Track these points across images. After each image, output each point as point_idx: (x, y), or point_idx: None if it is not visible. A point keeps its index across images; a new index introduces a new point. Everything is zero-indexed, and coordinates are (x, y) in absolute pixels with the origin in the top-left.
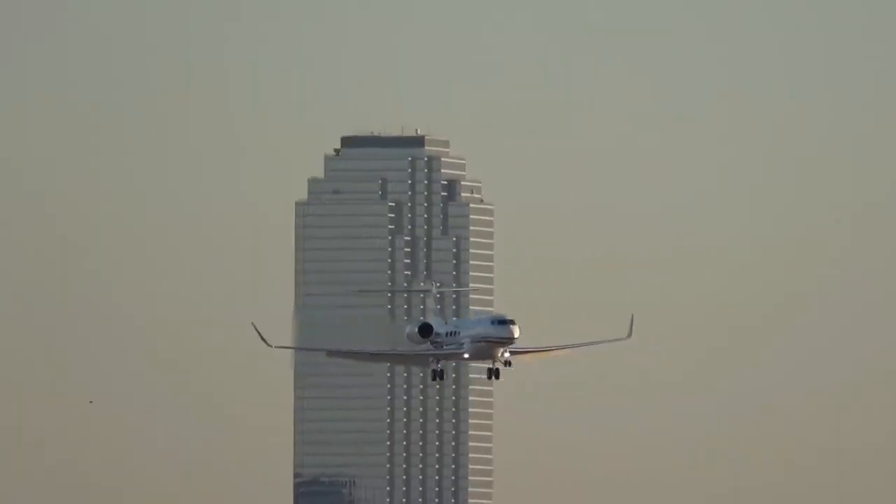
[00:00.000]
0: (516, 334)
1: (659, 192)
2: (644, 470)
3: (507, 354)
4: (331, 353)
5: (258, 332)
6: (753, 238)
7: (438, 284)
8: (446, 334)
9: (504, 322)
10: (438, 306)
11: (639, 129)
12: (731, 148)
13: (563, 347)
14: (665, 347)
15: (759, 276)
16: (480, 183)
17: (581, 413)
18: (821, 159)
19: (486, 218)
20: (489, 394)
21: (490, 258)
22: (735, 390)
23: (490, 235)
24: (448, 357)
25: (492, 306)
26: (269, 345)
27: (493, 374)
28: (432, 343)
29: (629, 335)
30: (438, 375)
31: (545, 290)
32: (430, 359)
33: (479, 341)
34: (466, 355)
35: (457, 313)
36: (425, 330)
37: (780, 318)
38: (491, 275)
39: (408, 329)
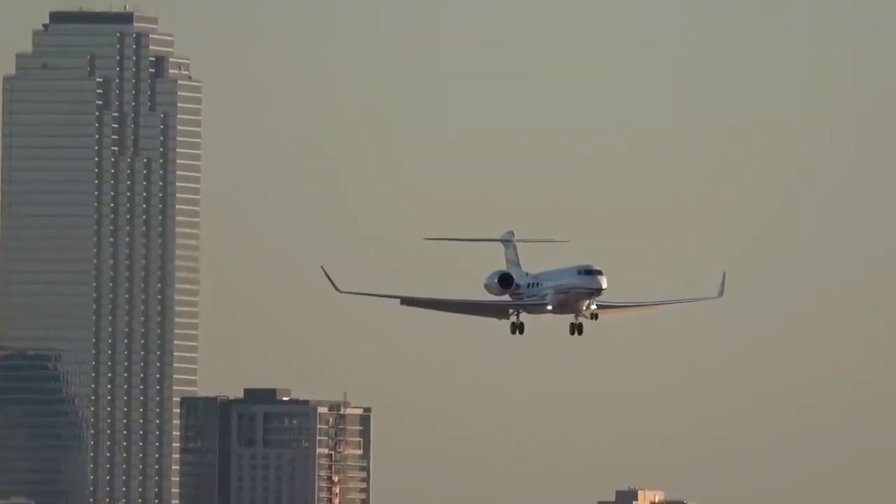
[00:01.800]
0: (604, 285)
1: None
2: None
3: (593, 307)
4: (405, 300)
5: (328, 277)
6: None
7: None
8: (527, 286)
9: (591, 272)
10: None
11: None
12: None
13: (654, 304)
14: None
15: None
16: (189, 60)
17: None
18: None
19: (194, 95)
20: (196, 270)
21: (197, 135)
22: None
23: (198, 112)
24: (529, 309)
25: (199, 183)
26: (338, 290)
27: (577, 329)
28: (512, 295)
29: (721, 293)
30: (518, 329)
31: (252, 169)
32: (510, 310)
33: (564, 292)
34: (549, 307)
35: (163, 189)
36: (505, 281)
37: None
38: (198, 151)
39: (486, 280)
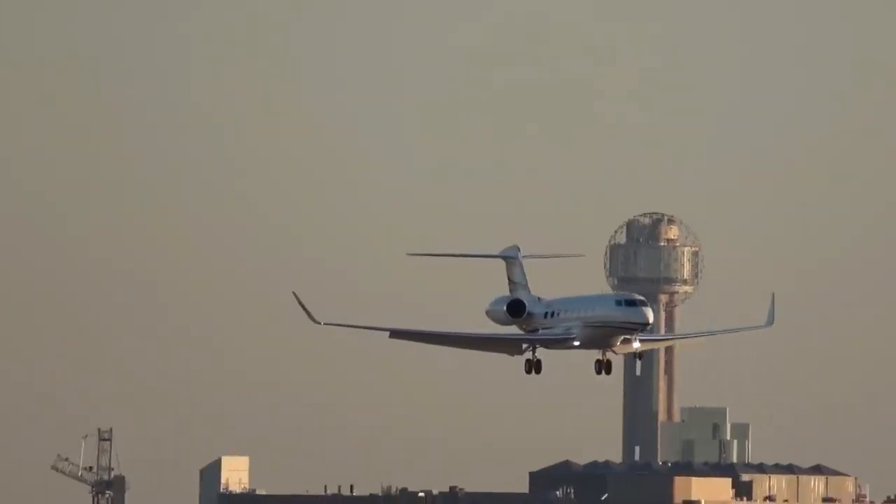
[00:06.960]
0: (651, 318)
1: None
2: None
3: (637, 344)
4: (395, 333)
5: (302, 306)
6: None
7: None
8: (544, 315)
9: (634, 303)
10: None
11: None
12: None
13: (699, 336)
14: None
15: None
16: None
17: None
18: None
19: None
20: None
21: None
22: None
23: None
24: (549, 343)
25: None
26: (317, 322)
27: (605, 367)
28: (523, 325)
29: (770, 322)
30: (535, 367)
31: None
32: (525, 345)
33: (598, 325)
34: (577, 342)
35: None
36: (516, 308)
37: None
38: None
39: (490, 306)
